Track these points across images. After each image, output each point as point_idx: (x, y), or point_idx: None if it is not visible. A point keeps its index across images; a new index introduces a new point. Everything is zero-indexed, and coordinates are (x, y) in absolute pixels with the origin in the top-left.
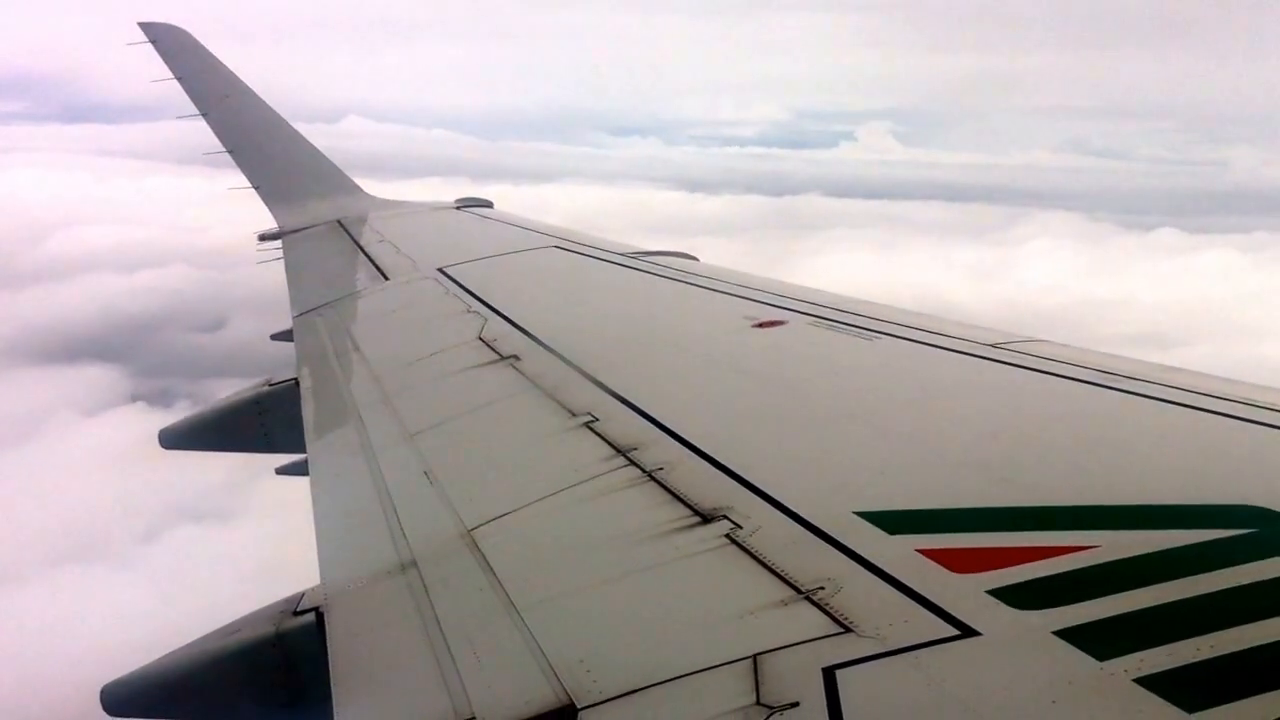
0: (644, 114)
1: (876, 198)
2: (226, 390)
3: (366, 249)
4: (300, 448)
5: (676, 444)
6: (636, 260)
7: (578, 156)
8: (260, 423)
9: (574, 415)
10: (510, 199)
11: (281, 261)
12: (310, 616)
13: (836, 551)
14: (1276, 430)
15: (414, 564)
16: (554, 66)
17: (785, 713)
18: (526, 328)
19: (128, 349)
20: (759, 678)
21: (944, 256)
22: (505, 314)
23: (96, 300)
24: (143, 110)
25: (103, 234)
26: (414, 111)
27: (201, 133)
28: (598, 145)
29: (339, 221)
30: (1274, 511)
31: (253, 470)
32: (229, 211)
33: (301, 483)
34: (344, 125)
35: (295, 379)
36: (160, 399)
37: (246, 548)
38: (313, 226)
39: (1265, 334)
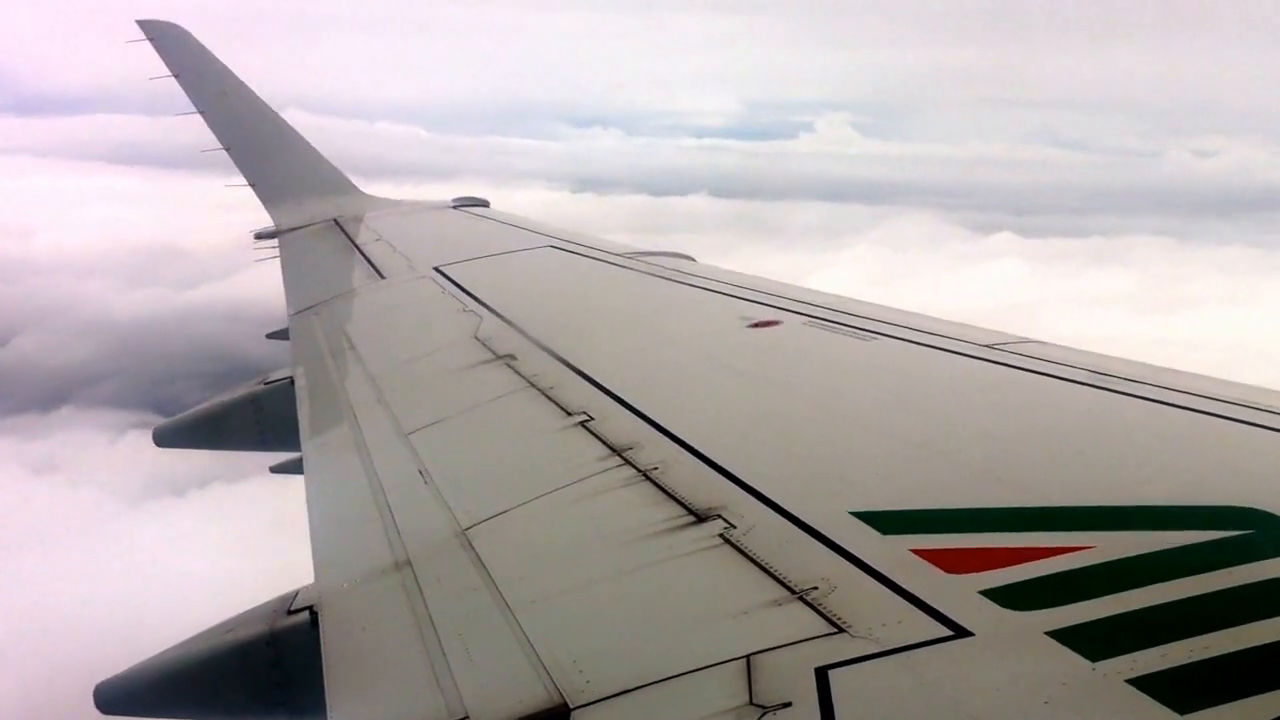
0: (608, 105)
1: (761, 198)
2: None
3: (363, 248)
4: (295, 446)
5: (672, 443)
6: (632, 260)
7: (488, 149)
8: (255, 421)
9: (569, 414)
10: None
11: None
12: (304, 615)
13: (830, 552)
14: (1271, 432)
15: (408, 563)
16: (519, 60)
17: (778, 713)
18: (522, 327)
19: None
20: (752, 678)
21: (768, 260)
22: (501, 313)
23: None
24: (80, 104)
25: None
26: (366, 104)
27: (130, 128)
28: (557, 137)
29: (335, 220)
30: (1268, 513)
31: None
32: (88, 213)
33: (296, 481)
34: (286, 117)
35: (290, 377)
36: None
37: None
38: (309, 225)
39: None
